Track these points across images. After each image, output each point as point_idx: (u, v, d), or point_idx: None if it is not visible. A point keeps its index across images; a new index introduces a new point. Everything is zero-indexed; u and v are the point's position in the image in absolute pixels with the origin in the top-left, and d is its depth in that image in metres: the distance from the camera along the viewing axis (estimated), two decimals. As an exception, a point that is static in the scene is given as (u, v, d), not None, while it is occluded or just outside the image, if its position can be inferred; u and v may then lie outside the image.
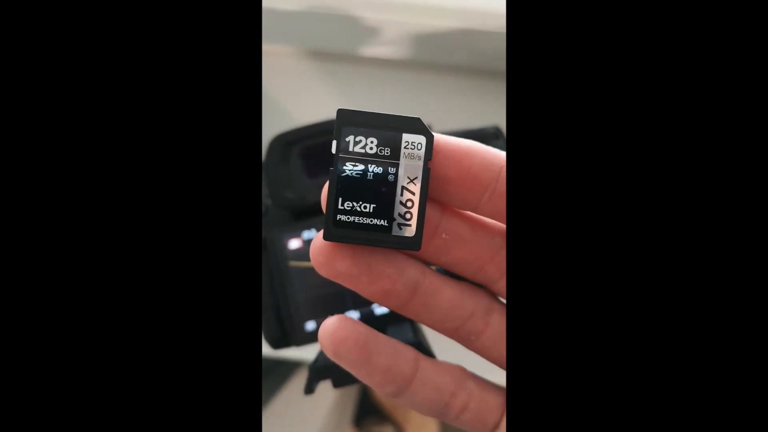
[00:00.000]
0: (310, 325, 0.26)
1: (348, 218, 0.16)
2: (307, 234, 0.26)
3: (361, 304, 0.26)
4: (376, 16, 0.35)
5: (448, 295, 0.18)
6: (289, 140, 0.27)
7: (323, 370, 0.23)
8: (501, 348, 0.18)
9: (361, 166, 0.16)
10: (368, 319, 0.26)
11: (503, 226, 0.18)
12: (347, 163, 0.16)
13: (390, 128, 0.16)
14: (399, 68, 0.43)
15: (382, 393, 0.18)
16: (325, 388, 0.25)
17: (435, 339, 0.22)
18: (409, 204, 0.16)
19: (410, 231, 0.16)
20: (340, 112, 0.16)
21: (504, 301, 0.19)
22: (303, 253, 0.26)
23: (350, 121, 0.16)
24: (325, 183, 0.16)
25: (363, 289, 0.17)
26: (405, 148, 0.16)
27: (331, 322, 0.17)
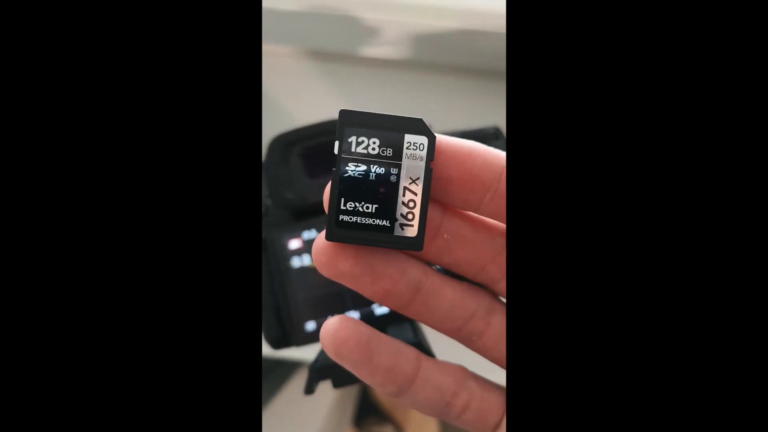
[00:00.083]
0: (310, 325, 0.26)
1: (350, 218, 0.16)
2: (307, 234, 0.26)
3: (362, 304, 0.26)
4: (376, 16, 0.35)
5: (449, 295, 0.18)
6: (289, 140, 0.27)
7: (323, 370, 0.23)
8: (502, 348, 0.18)
9: (363, 167, 0.16)
10: (368, 319, 0.26)
11: (504, 226, 0.18)
12: (349, 164, 0.16)
13: (392, 129, 0.16)
14: (399, 68, 0.43)
15: (383, 393, 0.18)
16: (325, 388, 0.25)
17: (435, 339, 0.22)
18: (411, 204, 0.16)
19: (412, 231, 0.16)
20: (342, 112, 0.16)
21: (505, 301, 0.19)
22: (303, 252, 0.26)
23: (353, 121, 0.16)
24: (325, 183, 0.16)
25: (365, 290, 0.17)
26: (407, 148, 0.16)
27: (332, 323, 0.17)
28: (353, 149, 0.16)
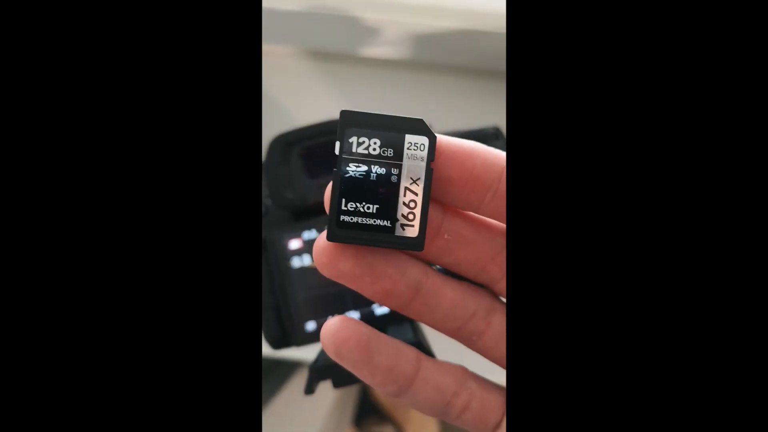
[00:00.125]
0: (311, 325, 0.26)
1: (351, 219, 0.16)
2: (307, 234, 0.26)
3: (361, 304, 0.26)
4: (376, 16, 0.35)
5: (450, 295, 0.18)
6: (289, 140, 0.27)
7: (323, 370, 0.23)
8: (502, 348, 0.18)
9: (364, 167, 0.16)
10: (368, 319, 0.26)
11: (505, 226, 0.18)
12: (350, 164, 0.16)
13: (393, 129, 0.16)
14: (399, 68, 0.43)
15: (384, 393, 0.18)
16: (325, 388, 0.25)
17: (435, 339, 0.22)
18: (411, 205, 0.16)
19: (413, 231, 0.16)
20: (343, 113, 0.16)
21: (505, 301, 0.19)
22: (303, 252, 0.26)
23: (354, 122, 0.16)
24: (325, 183, 0.16)
25: (365, 290, 0.17)
26: (408, 149, 0.16)
27: (333, 323, 0.17)
28: (354, 150, 0.16)
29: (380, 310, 0.26)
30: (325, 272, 0.17)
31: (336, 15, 0.35)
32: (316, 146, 0.27)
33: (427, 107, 0.43)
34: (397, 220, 0.16)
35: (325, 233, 0.16)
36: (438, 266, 0.19)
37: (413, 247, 0.16)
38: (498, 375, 0.19)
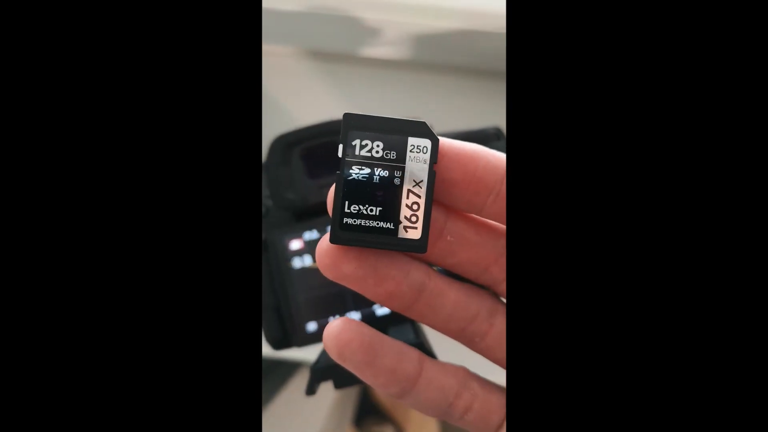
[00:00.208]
0: (311, 326, 0.26)
1: (354, 221, 0.16)
2: (308, 235, 0.26)
3: (362, 304, 0.26)
4: (376, 16, 0.35)
5: (452, 296, 0.18)
6: (290, 141, 0.27)
7: (325, 371, 0.23)
8: (505, 349, 0.18)
9: (367, 170, 0.16)
10: (369, 320, 0.26)
11: (507, 228, 0.18)
12: (353, 167, 0.16)
13: (395, 132, 0.16)
14: (399, 69, 0.43)
15: (386, 394, 0.18)
16: (325, 388, 0.25)
17: (436, 340, 0.22)
18: (414, 207, 0.16)
19: (416, 234, 0.16)
20: (346, 116, 0.16)
21: (507, 302, 0.19)
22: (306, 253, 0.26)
23: (356, 125, 0.16)
24: (326, 184, 0.16)
25: (369, 292, 0.17)
26: (410, 151, 0.16)
27: (335, 325, 0.17)
28: (357, 152, 0.16)
29: (381, 310, 0.26)
30: (329, 274, 0.17)
31: (336, 15, 0.35)
32: (316, 147, 0.27)
33: (427, 107, 0.43)
34: (400, 222, 0.16)
35: (328, 236, 0.16)
36: (440, 268, 0.19)
37: (416, 249, 0.16)
38: (499, 376, 0.19)
